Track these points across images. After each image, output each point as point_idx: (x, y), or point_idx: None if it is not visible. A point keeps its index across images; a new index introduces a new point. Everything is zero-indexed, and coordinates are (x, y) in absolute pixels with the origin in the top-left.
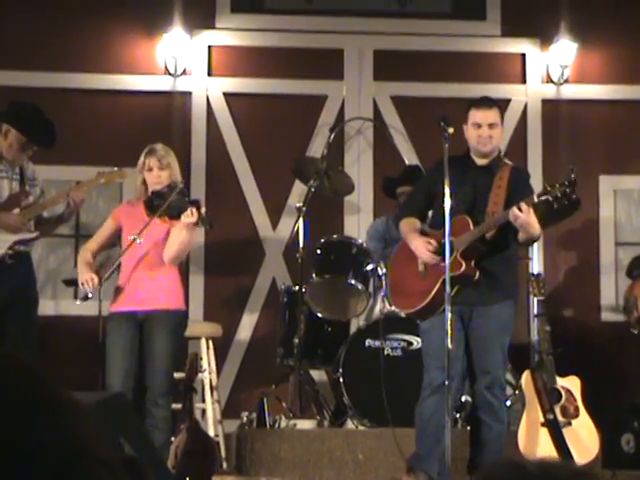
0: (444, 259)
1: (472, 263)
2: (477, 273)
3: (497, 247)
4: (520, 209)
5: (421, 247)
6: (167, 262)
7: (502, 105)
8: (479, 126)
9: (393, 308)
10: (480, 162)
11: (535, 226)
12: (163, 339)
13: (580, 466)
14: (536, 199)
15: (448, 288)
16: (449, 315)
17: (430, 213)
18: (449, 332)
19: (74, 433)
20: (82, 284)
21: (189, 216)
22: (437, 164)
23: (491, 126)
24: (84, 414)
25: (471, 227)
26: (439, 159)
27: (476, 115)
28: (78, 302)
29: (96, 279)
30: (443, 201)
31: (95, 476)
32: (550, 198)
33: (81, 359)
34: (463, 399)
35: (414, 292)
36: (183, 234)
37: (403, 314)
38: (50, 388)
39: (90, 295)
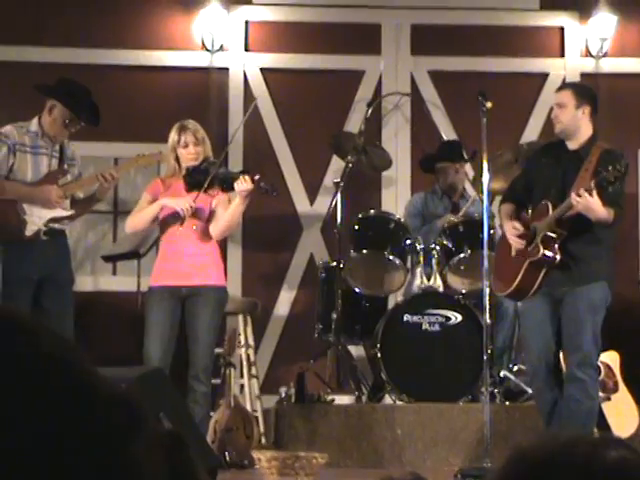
0: (529, 243)
1: (555, 247)
2: (557, 257)
3: (580, 230)
4: (578, 195)
5: (508, 231)
6: (216, 236)
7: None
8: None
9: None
10: (572, 146)
11: (596, 209)
12: (207, 315)
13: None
14: (592, 184)
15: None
16: (487, 290)
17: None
18: (487, 306)
19: (104, 427)
20: (182, 209)
21: (243, 183)
22: (534, 152)
23: (558, 106)
24: (118, 403)
25: (550, 212)
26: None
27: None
28: (180, 228)
29: (194, 205)
30: (537, 188)
31: (137, 463)
32: (604, 182)
33: (120, 335)
34: (502, 374)
35: (506, 275)
36: (235, 205)
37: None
38: (79, 373)
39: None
